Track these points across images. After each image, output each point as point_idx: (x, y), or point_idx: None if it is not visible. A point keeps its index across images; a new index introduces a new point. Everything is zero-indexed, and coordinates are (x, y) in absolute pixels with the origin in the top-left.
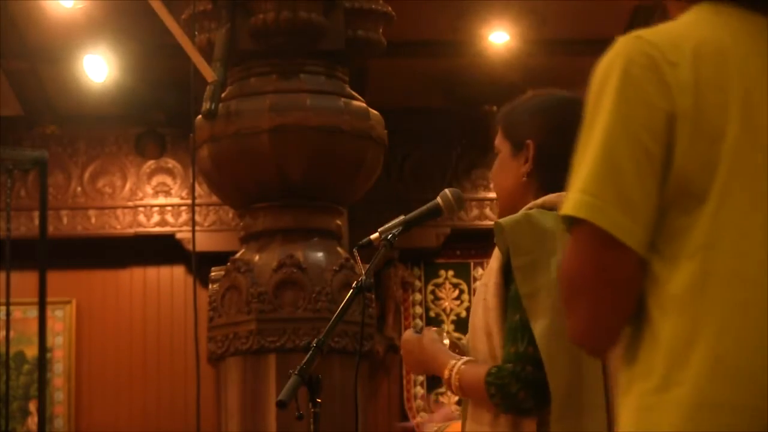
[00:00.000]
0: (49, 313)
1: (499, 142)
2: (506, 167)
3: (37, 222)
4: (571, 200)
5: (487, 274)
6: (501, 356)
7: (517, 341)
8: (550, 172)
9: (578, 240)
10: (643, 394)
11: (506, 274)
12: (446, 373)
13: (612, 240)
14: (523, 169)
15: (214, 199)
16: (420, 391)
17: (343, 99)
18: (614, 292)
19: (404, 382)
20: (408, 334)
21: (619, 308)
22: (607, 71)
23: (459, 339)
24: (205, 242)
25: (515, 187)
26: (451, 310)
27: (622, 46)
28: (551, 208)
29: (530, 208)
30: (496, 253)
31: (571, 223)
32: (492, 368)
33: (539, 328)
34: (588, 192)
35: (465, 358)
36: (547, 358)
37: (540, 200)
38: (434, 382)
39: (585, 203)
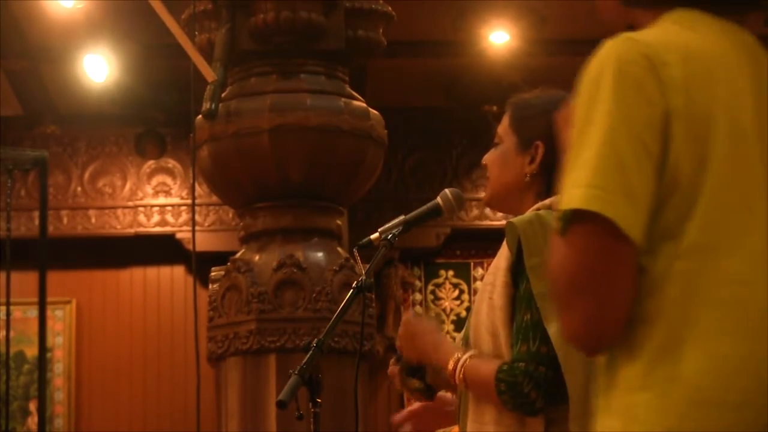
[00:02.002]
0: (49, 313)
1: (504, 132)
2: (509, 161)
3: (37, 222)
4: (578, 195)
5: (493, 273)
6: (507, 355)
7: (528, 340)
8: (556, 174)
9: (580, 235)
10: (630, 391)
11: (514, 273)
12: (450, 364)
13: (617, 233)
14: (528, 169)
15: (214, 199)
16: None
17: (343, 99)
18: (617, 287)
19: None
20: (410, 316)
21: (621, 305)
22: (601, 71)
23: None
24: (205, 242)
25: (515, 184)
26: (451, 310)
27: (614, 47)
28: None
29: (538, 209)
30: (504, 253)
31: (568, 220)
32: (503, 365)
33: (554, 327)
34: (595, 186)
35: (471, 351)
36: (563, 357)
37: (548, 201)
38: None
39: (595, 196)
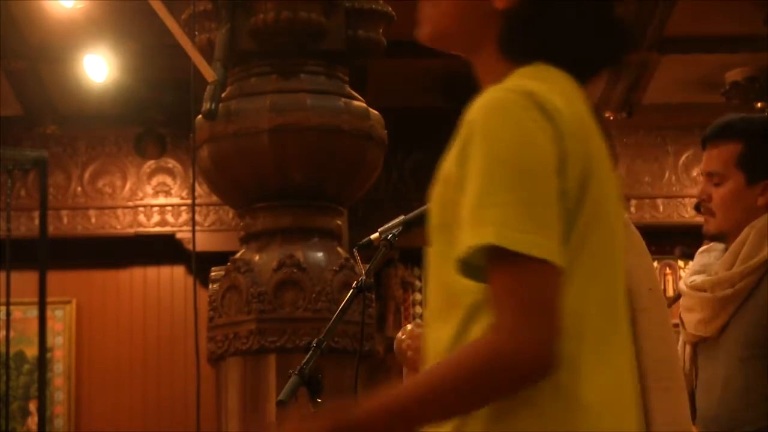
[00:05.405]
0: (49, 313)
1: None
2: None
3: (37, 222)
4: (517, 239)
5: None
6: None
7: None
8: None
9: (504, 270)
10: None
11: None
12: None
13: (552, 270)
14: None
15: (214, 199)
16: None
17: (343, 99)
18: (558, 311)
19: (404, 382)
20: (415, 328)
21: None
22: (499, 115)
23: None
24: (205, 242)
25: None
26: None
27: (506, 95)
28: None
29: None
30: None
31: (496, 257)
32: None
33: None
34: (528, 231)
35: None
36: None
37: None
38: None
39: (533, 243)
